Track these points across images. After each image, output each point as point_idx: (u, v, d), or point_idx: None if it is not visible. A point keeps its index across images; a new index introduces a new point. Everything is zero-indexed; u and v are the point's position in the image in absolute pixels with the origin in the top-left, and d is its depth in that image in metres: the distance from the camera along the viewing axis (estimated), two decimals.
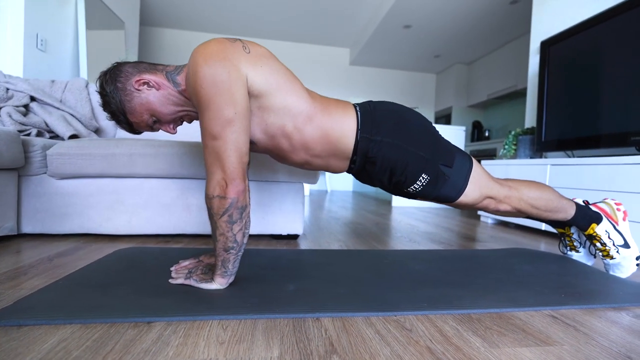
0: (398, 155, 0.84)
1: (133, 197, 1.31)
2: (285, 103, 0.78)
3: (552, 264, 1.14)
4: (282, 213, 1.40)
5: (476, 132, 5.03)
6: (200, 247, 1.23)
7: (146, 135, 1.76)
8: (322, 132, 0.82)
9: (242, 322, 0.64)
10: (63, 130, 1.48)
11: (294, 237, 1.48)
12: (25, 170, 1.25)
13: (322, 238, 1.52)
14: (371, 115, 0.85)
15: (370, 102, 0.91)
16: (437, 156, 0.86)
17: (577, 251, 1.20)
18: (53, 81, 1.73)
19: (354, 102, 0.93)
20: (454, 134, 3.31)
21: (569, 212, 0.97)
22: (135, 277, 0.85)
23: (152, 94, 0.80)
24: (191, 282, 0.81)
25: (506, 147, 2.31)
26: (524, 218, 1.14)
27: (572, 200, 1.00)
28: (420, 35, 4.23)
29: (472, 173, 0.91)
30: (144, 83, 0.79)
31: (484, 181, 0.92)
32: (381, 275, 0.96)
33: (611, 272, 1.03)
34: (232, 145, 0.68)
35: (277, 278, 0.90)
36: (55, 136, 1.52)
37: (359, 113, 0.85)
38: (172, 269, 0.92)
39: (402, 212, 2.72)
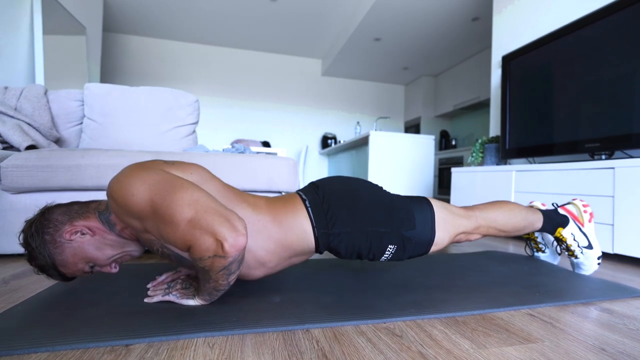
0: (360, 241, 0.81)
1: None
2: None
3: (523, 265, 1.20)
4: None
5: (444, 141, 5.26)
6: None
7: (115, 144, 1.67)
8: (276, 244, 0.77)
9: (230, 338, 0.61)
10: (19, 140, 1.36)
11: None
12: None
13: None
14: (321, 207, 0.81)
15: (316, 186, 0.86)
16: (398, 225, 0.83)
17: (543, 252, 1.27)
18: (6, 88, 1.60)
19: (299, 189, 0.91)
20: (425, 144, 3.43)
21: (536, 226, 1.01)
22: (107, 297, 0.79)
23: (86, 241, 0.72)
24: (170, 297, 0.76)
25: (474, 154, 2.42)
26: None
27: (538, 210, 1.03)
28: (390, 47, 4.39)
29: (436, 221, 0.87)
30: (76, 232, 0.71)
31: (450, 221, 0.89)
32: (365, 282, 0.96)
33: (576, 270, 1.10)
34: (205, 208, 0.62)
35: (261, 290, 0.87)
36: (9, 147, 1.40)
37: (309, 208, 0.80)
38: (148, 285, 0.86)
39: None
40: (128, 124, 1.70)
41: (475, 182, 2.24)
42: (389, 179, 3.32)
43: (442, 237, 0.87)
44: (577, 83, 1.72)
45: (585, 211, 1.02)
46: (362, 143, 3.60)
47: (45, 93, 1.66)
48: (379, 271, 1.09)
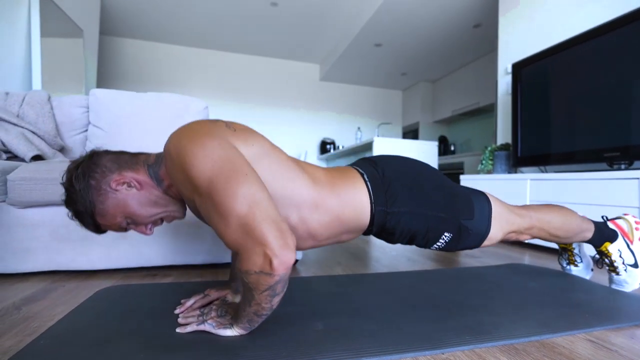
0: (418, 224, 0.78)
1: None
2: (285, 192, 0.68)
3: (555, 280, 1.17)
4: None
5: (442, 146, 5.27)
6: (195, 280, 1.10)
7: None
8: (332, 217, 0.73)
9: None
10: (24, 150, 1.28)
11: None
12: None
13: (321, 262, 1.45)
14: (382, 182, 0.77)
15: (374, 163, 0.83)
16: (457, 212, 0.81)
17: (576, 265, 1.24)
18: (7, 93, 1.52)
19: (352, 163, 0.87)
20: (427, 149, 3.41)
21: (586, 236, 0.98)
22: (134, 326, 0.73)
23: (131, 194, 0.68)
24: (206, 327, 0.70)
25: (483, 162, 2.41)
26: None
27: (591, 221, 1.01)
28: (390, 53, 4.39)
29: (492, 214, 0.85)
30: (123, 183, 0.67)
31: (505, 218, 0.88)
32: (403, 303, 0.91)
33: (613, 286, 1.07)
34: (261, 212, 0.55)
35: (298, 314, 0.81)
36: (12, 157, 1.31)
37: (368, 182, 0.77)
38: (177, 311, 0.80)
39: None
40: (135, 132, 1.62)
41: (486, 190, 2.22)
42: None
43: (495, 232, 0.85)
44: (593, 91, 1.72)
45: (637, 228, 0.99)
46: (365, 149, 3.57)
47: (49, 99, 1.58)
48: (408, 287, 1.04)
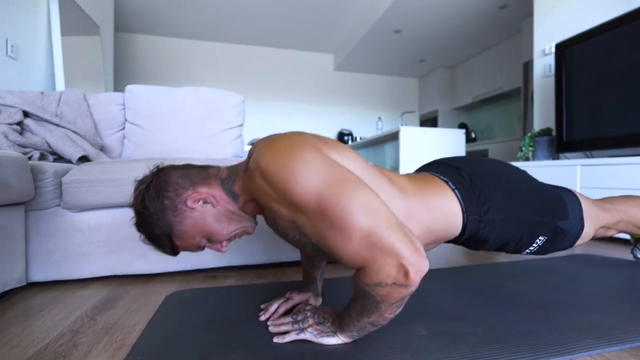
0: (513, 230, 0.72)
1: None
2: None
3: (636, 272, 1.10)
4: None
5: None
6: (258, 282, 1.05)
7: (162, 150, 1.54)
8: (423, 229, 0.68)
9: None
10: (70, 151, 1.23)
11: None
12: (34, 204, 1.00)
13: None
14: (471, 189, 0.72)
15: (455, 168, 0.76)
16: (552, 214, 0.75)
17: None
18: (42, 92, 1.47)
19: (424, 169, 0.81)
20: (455, 138, 3.31)
21: None
22: (225, 335, 0.67)
23: (208, 212, 0.63)
24: (307, 335, 0.65)
25: (524, 149, 2.31)
26: None
27: None
28: (409, 39, 4.26)
29: (583, 212, 0.79)
30: (199, 200, 0.62)
31: (594, 214, 0.82)
32: (489, 300, 0.85)
33: None
34: (383, 220, 0.49)
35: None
36: (58, 158, 1.27)
37: (456, 191, 0.71)
38: (262, 318, 0.75)
39: None
40: (174, 128, 1.57)
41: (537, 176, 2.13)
42: None
43: (588, 229, 0.80)
44: None
45: None
46: (391, 138, 3.48)
47: (85, 98, 1.53)
48: (479, 283, 0.98)
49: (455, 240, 0.77)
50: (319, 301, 0.83)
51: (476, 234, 0.72)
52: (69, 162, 1.27)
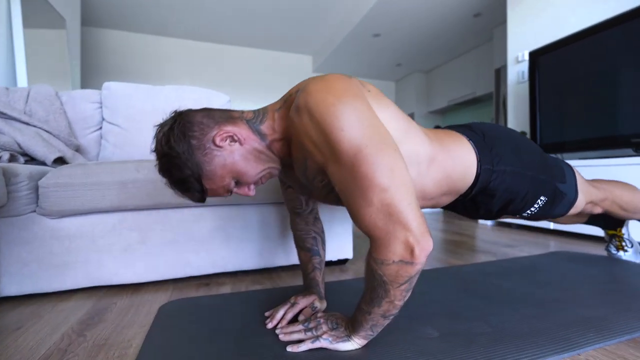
0: (520, 184, 0.77)
1: (158, 234, 1.05)
2: (412, 149, 0.65)
3: (612, 267, 1.16)
4: (331, 237, 1.23)
5: None
6: (255, 288, 1.01)
7: (144, 152, 1.45)
8: (443, 174, 0.72)
9: None
10: (44, 152, 1.13)
11: (343, 262, 1.33)
12: (6, 210, 0.91)
13: None
14: (484, 142, 0.77)
15: (468, 127, 0.82)
16: (553, 174, 0.81)
17: (626, 251, 1.25)
18: (7, 88, 1.34)
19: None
20: None
21: None
22: (236, 346, 0.64)
23: (236, 150, 0.61)
24: (322, 343, 0.62)
25: None
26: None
27: None
28: (388, 44, 4.33)
29: (577, 183, 0.87)
30: (226, 138, 0.60)
31: (586, 189, 0.90)
32: (486, 299, 0.87)
33: None
34: (407, 194, 0.49)
35: (396, 320, 0.75)
36: (30, 160, 1.16)
37: (471, 141, 0.76)
38: (270, 326, 0.72)
39: None
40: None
41: None
42: None
43: (581, 200, 0.87)
44: (617, 78, 1.73)
45: None
46: None
47: (57, 95, 1.41)
48: (473, 281, 1.00)
49: (464, 196, 0.79)
50: (324, 304, 0.81)
51: (487, 185, 0.76)
52: (42, 164, 1.17)
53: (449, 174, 0.72)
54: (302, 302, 0.78)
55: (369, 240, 0.52)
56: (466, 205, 0.85)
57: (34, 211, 0.95)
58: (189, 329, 0.73)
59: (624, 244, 1.24)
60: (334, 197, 0.67)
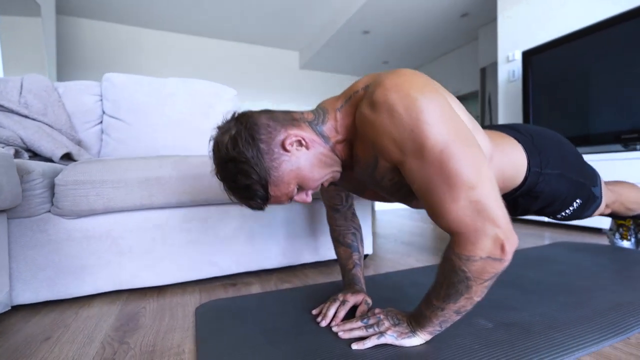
0: (563, 187, 0.80)
1: (181, 233, 1.00)
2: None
3: (617, 255, 1.23)
4: None
5: None
6: (288, 287, 0.99)
7: (150, 148, 1.38)
8: (497, 173, 0.73)
9: None
10: (50, 147, 1.04)
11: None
12: (19, 210, 0.83)
13: (393, 255, 1.39)
14: (533, 144, 0.78)
15: (515, 129, 0.82)
16: (589, 178, 0.84)
17: (629, 240, 1.33)
18: None
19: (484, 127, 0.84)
20: None
21: None
22: (297, 346, 0.62)
23: (303, 155, 0.59)
24: (388, 339, 0.62)
25: None
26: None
27: None
28: (376, 41, 4.37)
29: (602, 186, 0.90)
30: (294, 142, 0.58)
31: (604, 191, 0.93)
32: (522, 289, 0.89)
33: None
34: (493, 190, 0.49)
35: None
36: (33, 156, 1.07)
37: (522, 144, 0.77)
38: (324, 324, 0.70)
39: (396, 214, 2.73)
40: (161, 123, 1.42)
41: None
42: None
43: (603, 203, 0.90)
44: (607, 77, 1.83)
45: None
46: None
47: (53, 86, 1.31)
48: (513, 276, 1.02)
49: (506, 196, 0.80)
50: (370, 300, 0.80)
51: (533, 188, 0.78)
52: (47, 160, 1.08)
53: (503, 172, 0.73)
54: (352, 299, 0.77)
55: (451, 236, 0.52)
56: (508, 202, 0.86)
57: (49, 211, 0.88)
58: (237, 331, 0.70)
59: (629, 233, 1.32)
60: (402, 195, 0.65)
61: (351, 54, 4.83)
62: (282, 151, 0.57)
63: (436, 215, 0.52)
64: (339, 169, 0.65)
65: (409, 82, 0.53)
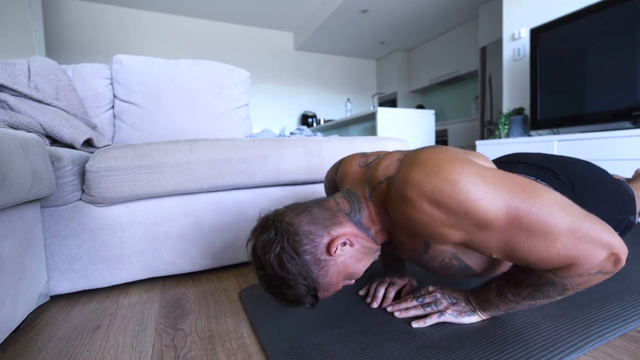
0: None
1: (214, 218, 0.98)
2: None
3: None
4: None
5: None
6: None
7: (167, 132, 1.34)
8: None
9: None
10: (71, 133, 1.00)
11: None
12: (52, 199, 0.80)
13: None
14: (574, 194, 0.74)
15: (553, 172, 0.78)
16: (627, 209, 0.79)
17: None
18: (5, 62, 1.16)
19: (516, 169, 0.80)
20: (427, 119, 3.47)
21: None
22: (356, 326, 0.63)
23: (348, 254, 0.58)
24: (447, 317, 0.63)
25: (500, 127, 2.51)
26: None
27: None
28: (373, 21, 4.27)
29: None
30: (340, 244, 0.56)
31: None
32: None
33: None
34: (574, 210, 0.47)
35: None
36: (52, 143, 1.02)
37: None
38: (375, 305, 0.71)
39: None
40: (176, 107, 1.37)
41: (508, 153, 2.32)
42: None
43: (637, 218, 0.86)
44: (617, 55, 1.84)
45: None
46: (367, 119, 3.51)
47: (62, 69, 1.25)
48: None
49: None
50: (414, 281, 0.81)
51: None
52: (68, 147, 1.03)
53: None
54: (400, 281, 0.77)
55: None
56: None
57: (80, 199, 0.85)
58: (290, 314, 0.70)
59: None
60: (451, 274, 0.63)
61: (347, 35, 4.72)
62: (328, 257, 0.56)
63: (537, 264, 0.49)
64: (379, 252, 0.64)
65: (435, 167, 0.49)
